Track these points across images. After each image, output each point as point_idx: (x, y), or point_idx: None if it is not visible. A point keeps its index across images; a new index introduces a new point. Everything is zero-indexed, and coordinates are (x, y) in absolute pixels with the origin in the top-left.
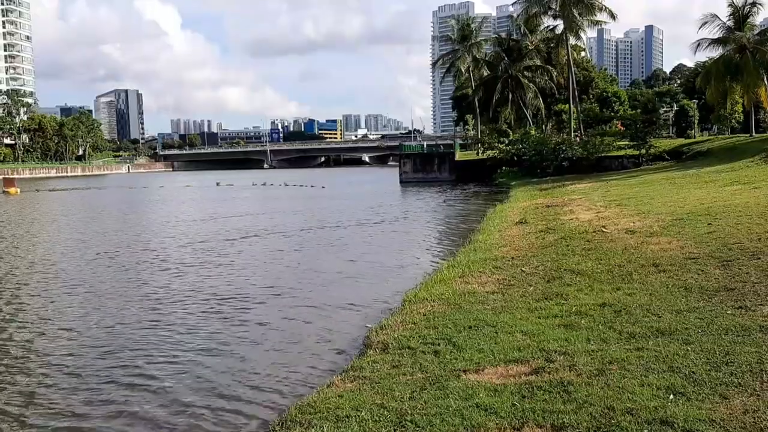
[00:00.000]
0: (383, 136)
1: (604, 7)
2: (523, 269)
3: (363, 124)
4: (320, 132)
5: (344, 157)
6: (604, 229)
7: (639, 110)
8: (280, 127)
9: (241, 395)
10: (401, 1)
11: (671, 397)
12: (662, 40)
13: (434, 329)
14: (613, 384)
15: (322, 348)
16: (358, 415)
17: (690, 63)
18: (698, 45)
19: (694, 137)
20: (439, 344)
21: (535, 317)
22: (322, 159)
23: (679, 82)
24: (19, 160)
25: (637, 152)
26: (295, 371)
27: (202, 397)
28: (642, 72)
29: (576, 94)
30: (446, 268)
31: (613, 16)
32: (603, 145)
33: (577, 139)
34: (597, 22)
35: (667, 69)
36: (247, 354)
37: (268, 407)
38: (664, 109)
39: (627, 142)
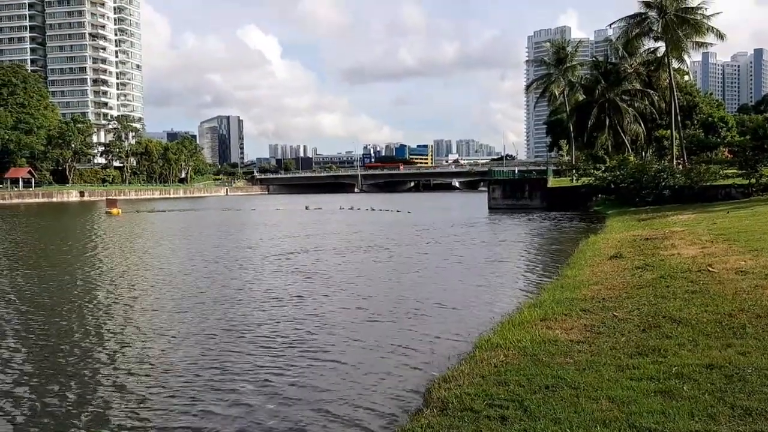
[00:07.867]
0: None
1: (711, 28)
2: (615, 314)
3: (454, 149)
4: (411, 157)
5: (434, 182)
6: (710, 268)
7: (748, 137)
8: (372, 151)
9: None
10: (496, 26)
11: None
12: None
13: (504, 386)
14: None
15: (376, 398)
16: None
17: None
18: None
19: None
20: (507, 408)
21: (626, 378)
22: (412, 184)
23: None
24: (127, 182)
25: (747, 181)
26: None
27: None
28: (750, 97)
29: (678, 119)
30: (527, 308)
31: (720, 36)
32: (708, 173)
33: (680, 166)
34: (702, 44)
35: None
36: (277, 406)
37: None
38: None
39: (735, 171)
